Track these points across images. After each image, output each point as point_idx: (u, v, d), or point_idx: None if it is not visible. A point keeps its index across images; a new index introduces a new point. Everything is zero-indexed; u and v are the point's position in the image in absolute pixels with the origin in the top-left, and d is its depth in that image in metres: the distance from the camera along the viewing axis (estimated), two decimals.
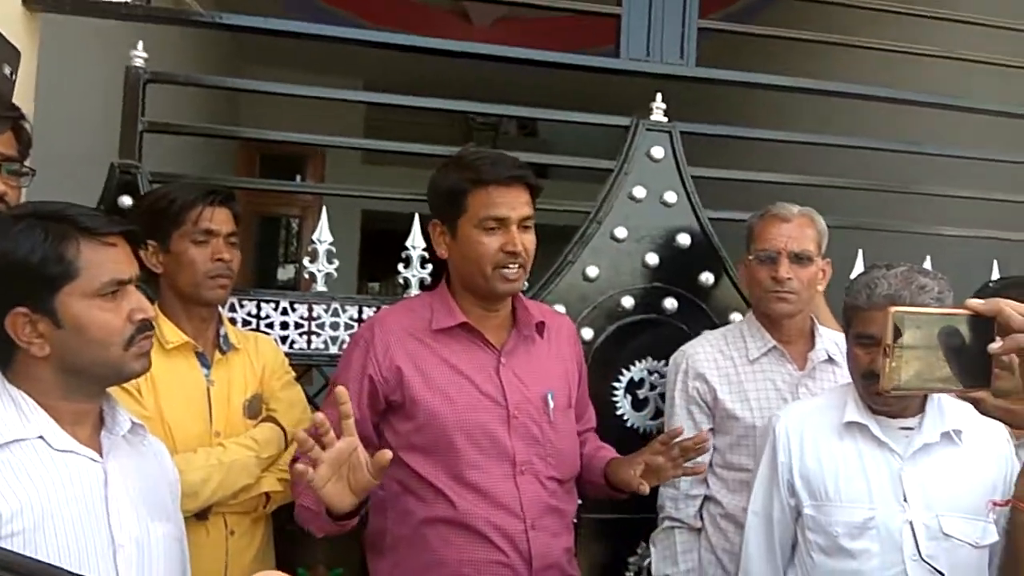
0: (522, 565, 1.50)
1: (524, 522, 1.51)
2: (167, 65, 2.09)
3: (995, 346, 0.95)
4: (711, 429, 1.89)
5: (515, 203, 1.51)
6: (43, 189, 1.41)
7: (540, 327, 1.64)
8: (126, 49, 1.96)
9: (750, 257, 1.91)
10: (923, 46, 2.47)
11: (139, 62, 1.93)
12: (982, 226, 2.53)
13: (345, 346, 2.00)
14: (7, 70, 1.16)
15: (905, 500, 1.47)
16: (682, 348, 1.98)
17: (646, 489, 1.52)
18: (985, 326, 0.96)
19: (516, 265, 1.52)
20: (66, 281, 1.06)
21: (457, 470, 1.50)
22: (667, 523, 1.92)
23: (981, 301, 0.98)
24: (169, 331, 1.65)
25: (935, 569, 1.43)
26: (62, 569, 0.24)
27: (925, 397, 1.53)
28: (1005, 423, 1.00)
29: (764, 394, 1.86)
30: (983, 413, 1.01)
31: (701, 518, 1.90)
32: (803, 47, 2.35)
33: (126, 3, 1.88)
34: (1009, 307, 0.95)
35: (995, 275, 2.42)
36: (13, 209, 1.13)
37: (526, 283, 2.14)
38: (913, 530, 1.45)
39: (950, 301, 1.44)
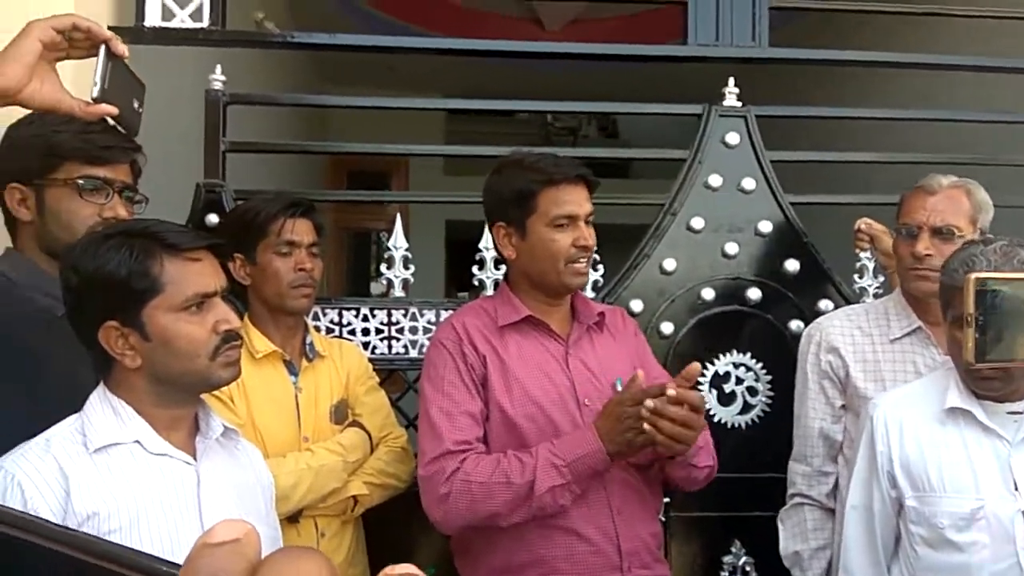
0: (612, 551, 1.50)
1: (609, 507, 1.52)
2: (249, 90, 2.18)
3: None
4: (843, 406, 1.80)
5: (581, 200, 1.58)
6: (138, 213, 1.49)
7: (601, 318, 1.67)
8: (207, 73, 2.05)
9: (895, 232, 1.81)
10: (1008, 9, 2.31)
11: (218, 85, 2.02)
12: None
13: (424, 350, 2.04)
14: (135, 104, 1.24)
15: (1016, 488, 1.37)
16: (818, 320, 1.89)
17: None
18: None
19: (586, 259, 1.58)
20: (151, 296, 1.11)
21: None
22: (797, 499, 1.82)
23: None
24: (258, 341, 1.70)
25: None
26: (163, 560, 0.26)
27: None
28: None
29: (902, 376, 1.74)
30: None
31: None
32: (878, 26, 2.24)
33: (203, 28, 1.98)
34: None
35: None
36: (105, 228, 1.19)
37: (601, 279, 2.13)
38: None
39: None
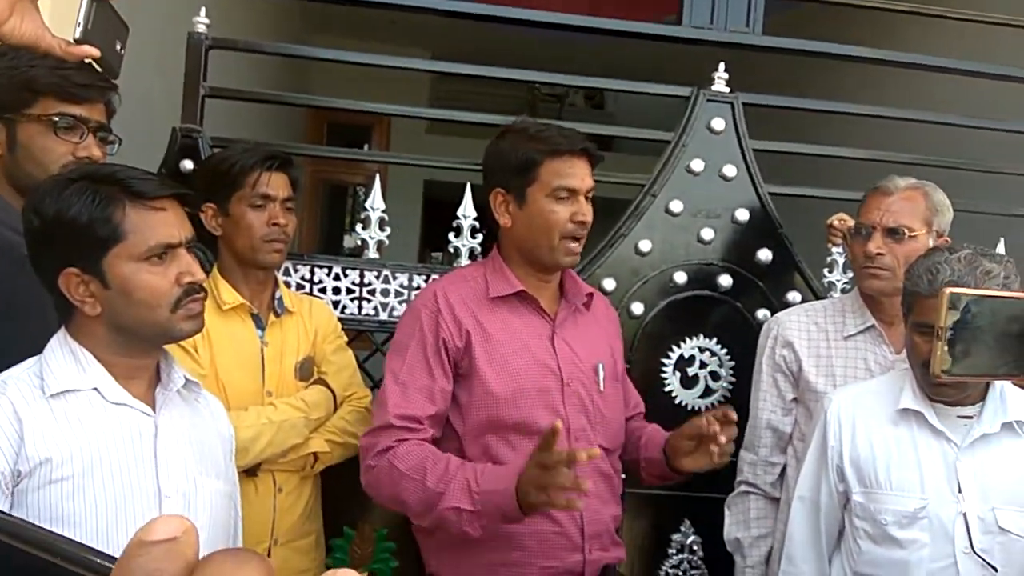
0: (576, 533, 1.52)
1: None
2: (232, 35, 2.12)
3: None
4: (794, 399, 1.84)
5: (584, 174, 1.56)
6: (111, 153, 1.46)
7: (589, 299, 1.66)
8: (190, 15, 2.00)
9: (851, 231, 1.83)
10: (994, 14, 2.32)
11: (201, 28, 1.97)
12: None
13: (397, 313, 2.03)
14: (118, 46, 1.21)
15: (960, 491, 1.41)
16: (777, 315, 1.93)
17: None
18: None
19: (581, 237, 1.57)
20: (113, 244, 1.09)
21: (512, 439, 1.51)
22: (743, 487, 1.87)
23: None
24: (226, 292, 1.69)
25: (987, 563, 1.38)
26: (63, 538, 0.25)
27: (987, 385, 1.46)
28: None
29: (853, 372, 1.78)
30: None
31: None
32: (873, 21, 2.23)
33: None
34: None
35: None
36: (71, 171, 1.17)
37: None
38: (967, 522, 1.40)
39: (1017, 286, 1.36)
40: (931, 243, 1.74)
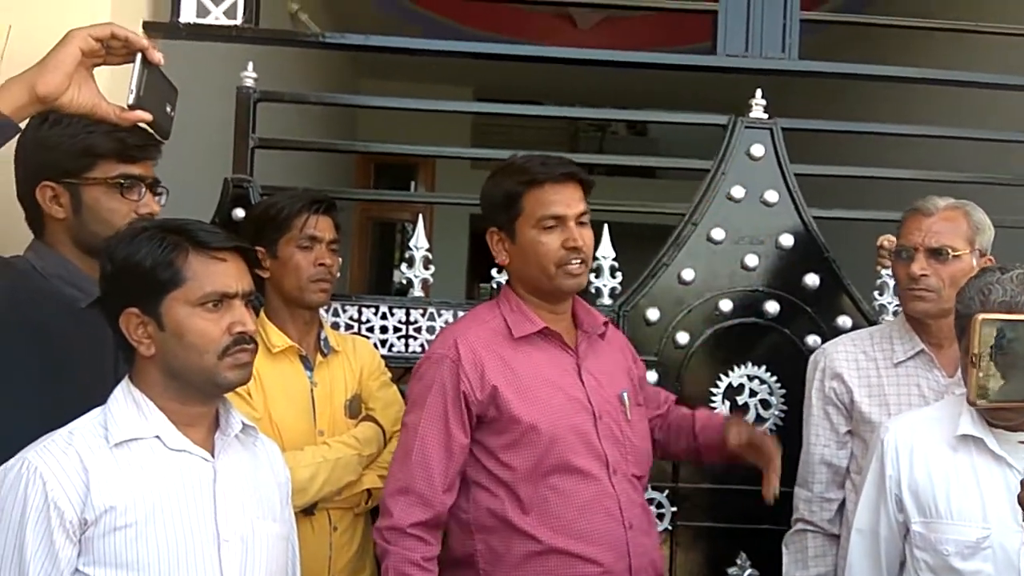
0: (623, 570, 1.51)
1: (623, 524, 1.52)
2: (283, 83, 2.21)
3: None
4: (848, 432, 1.81)
5: (570, 200, 1.54)
6: (167, 206, 1.53)
7: (606, 328, 1.67)
8: (240, 68, 2.09)
9: (893, 254, 1.81)
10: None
11: (249, 82, 2.05)
12: None
13: None
14: (168, 108, 1.30)
15: None
16: (823, 346, 1.90)
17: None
18: None
19: (578, 260, 1.54)
20: (172, 287, 1.15)
21: (552, 480, 1.50)
22: (799, 526, 1.84)
23: None
24: (275, 336, 1.74)
25: None
26: None
27: None
28: None
29: (906, 399, 1.74)
30: None
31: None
32: (912, 42, 2.22)
33: (237, 26, 2.01)
34: None
35: None
36: (144, 223, 1.24)
37: (620, 286, 2.14)
38: None
39: None
40: (975, 263, 1.71)
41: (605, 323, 1.67)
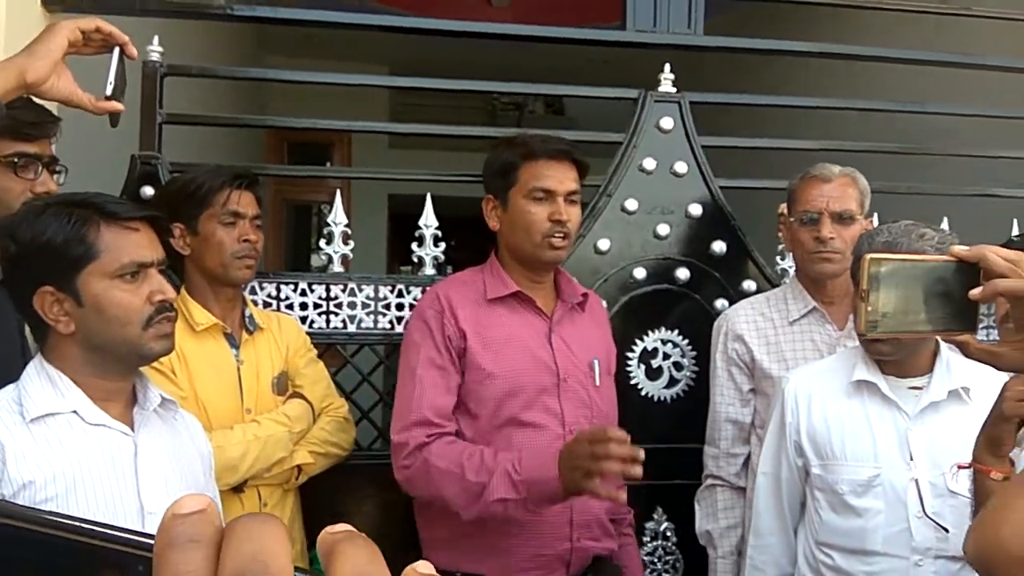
0: (564, 522, 1.59)
1: None
2: (190, 59, 2.15)
3: (976, 292, 0.95)
4: (751, 390, 1.93)
5: (563, 177, 1.65)
6: (70, 182, 1.49)
7: (584, 299, 1.75)
8: (145, 43, 2.02)
9: (791, 219, 1.90)
10: (937, 4, 2.43)
11: (155, 56, 1.99)
12: (1000, 186, 2.50)
13: (365, 324, 2.08)
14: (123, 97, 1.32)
15: (911, 458, 1.49)
16: (725, 312, 2.03)
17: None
18: (970, 272, 0.96)
19: (562, 234, 1.63)
20: (87, 262, 1.13)
21: (506, 431, 1.58)
22: (709, 481, 1.95)
23: (965, 248, 0.98)
24: (198, 313, 1.72)
25: (940, 525, 1.45)
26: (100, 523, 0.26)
27: (934, 356, 1.54)
28: (990, 365, 1.01)
29: (801, 354, 1.87)
30: (967, 356, 1.02)
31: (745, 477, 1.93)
32: (813, 18, 2.33)
33: None
34: (992, 253, 0.94)
35: (1015, 231, 2.39)
36: (44, 199, 1.21)
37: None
38: (918, 487, 1.47)
39: None
40: (864, 225, 1.84)
41: (584, 294, 1.75)
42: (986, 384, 1.50)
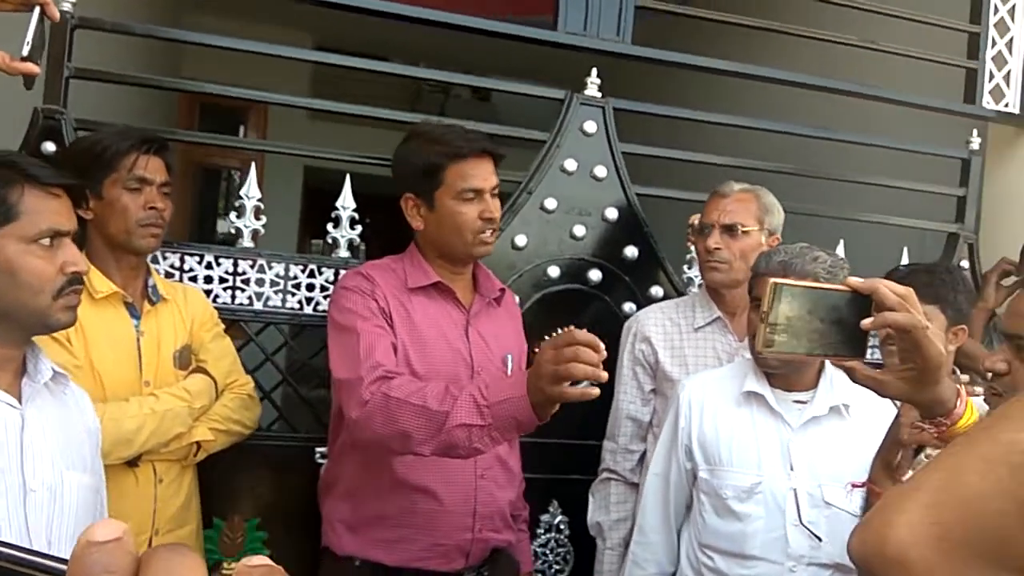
0: (467, 512, 1.61)
1: (474, 473, 1.62)
2: (103, 12, 2.04)
3: (867, 322, 1.02)
4: (652, 390, 2.00)
5: (487, 174, 1.65)
6: None
7: (501, 294, 1.77)
8: None
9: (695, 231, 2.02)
10: (852, 37, 2.55)
11: (67, 7, 1.88)
12: (895, 214, 2.66)
13: (273, 303, 2.04)
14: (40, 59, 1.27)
15: (792, 468, 1.58)
16: (636, 314, 2.10)
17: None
18: (863, 303, 1.03)
19: (491, 230, 1.65)
20: (5, 222, 1.09)
21: None
22: (604, 474, 2.02)
23: (860, 280, 1.05)
24: (98, 280, 1.64)
25: (813, 534, 1.55)
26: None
27: (819, 373, 1.64)
28: (875, 391, 1.09)
29: (703, 360, 1.96)
30: (855, 381, 1.10)
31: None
32: (739, 35, 2.41)
33: None
34: (884, 287, 1.01)
35: (904, 261, 2.55)
36: None
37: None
38: (796, 497, 1.56)
39: (844, 277, 1.54)
40: (763, 240, 1.94)
41: (501, 290, 1.77)
42: (865, 402, 1.61)
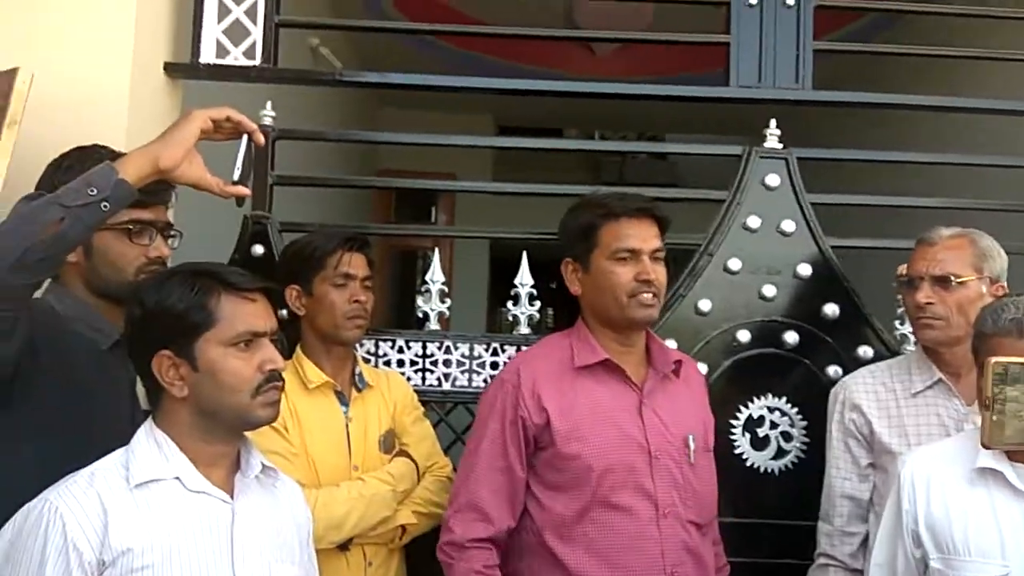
0: None
1: (663, 569, 1.52)
2: (304, 113, 2.26)
3: None
4: (870, 464, 1.81)
5: (645, 235, 1.60)
6: (184, 242, 1.57)
7: (677, 366, 1.67)
8: (259, 107, 2.13)
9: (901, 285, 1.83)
10: None
11: (268, 120, 2.10)
12: None
13: (460, 383, 2.08)
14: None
15: None
16: (843, 379, 1.92)
17: None
18: None
19: (650, 293, 1.57)
20: (205, 328, 1.18)
21: (597, 516, 1.53)
22: (822, 560, 1.83)
23: None
24: (311, 371, 1.77)
25: None
26: None
27: None
28: None
29: (926, 429, 1.74)
30: None
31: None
32: (927, 70, 2.21)
33: (256, 66, 2.06)
34: None
35: None
36: (173, 268, 1.30)
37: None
38: None
39: None
40: (984, 289, 1.71)
41: (677, 361, 1.67)
42: None
